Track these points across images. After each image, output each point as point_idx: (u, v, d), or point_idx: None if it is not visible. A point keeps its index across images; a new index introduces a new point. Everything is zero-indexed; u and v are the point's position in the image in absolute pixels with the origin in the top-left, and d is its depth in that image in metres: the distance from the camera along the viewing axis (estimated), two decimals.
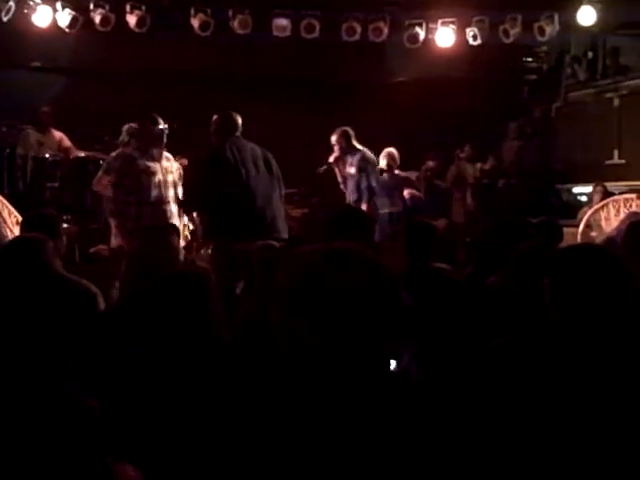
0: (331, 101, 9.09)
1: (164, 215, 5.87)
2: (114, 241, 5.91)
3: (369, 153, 7.30)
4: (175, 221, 5.92)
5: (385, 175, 7.81)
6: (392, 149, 8.00)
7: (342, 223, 3.64)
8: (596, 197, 8.33)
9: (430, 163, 8.84)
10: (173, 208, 6.03)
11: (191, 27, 8.09)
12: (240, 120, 6.01)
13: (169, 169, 6.02)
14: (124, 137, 7.22)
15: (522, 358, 2.20)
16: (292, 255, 1.61)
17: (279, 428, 1.48)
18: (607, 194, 8.25)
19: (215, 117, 6.01)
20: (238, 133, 5.97)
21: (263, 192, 5.90)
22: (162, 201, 5.92)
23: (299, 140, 8.40)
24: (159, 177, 5.91)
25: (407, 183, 8.11)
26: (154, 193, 5.86)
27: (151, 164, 5.87)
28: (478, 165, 9.16)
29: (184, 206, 6.15)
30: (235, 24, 8.11)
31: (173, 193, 6.04)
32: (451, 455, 1.47)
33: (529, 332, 2.32)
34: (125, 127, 7.27)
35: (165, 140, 5.92)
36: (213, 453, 1.67)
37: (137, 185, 5.79)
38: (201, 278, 2.73)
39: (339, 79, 9.73)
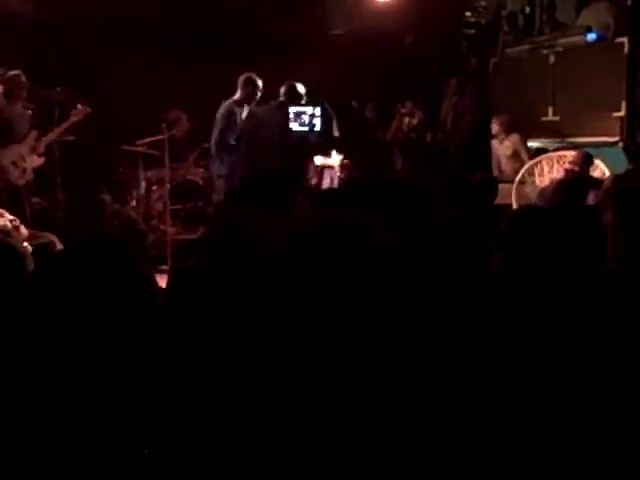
0: (267, 54, 8.90)
1: None
2: None
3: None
4: None
5: None
6: None
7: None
8: (496, 128, 8.60)
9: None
10: None
11: None
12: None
13: None
14: None
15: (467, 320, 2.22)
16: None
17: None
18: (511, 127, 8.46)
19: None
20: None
21: None
22: None
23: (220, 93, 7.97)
24: None
25: None
26: None
27: None
28: (406, 120, 9.17)
29: None
30: None
31: None
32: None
33: (473, 291, 2.35)
34: None
35: None
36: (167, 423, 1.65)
37: None
38: (125, 241, 2.65)
39: (275, 31, 9.50)
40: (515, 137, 8.57)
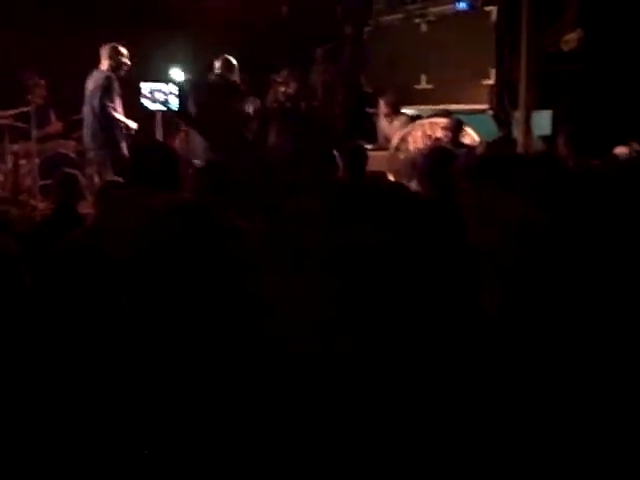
0: (131, 19, 8.60)
1: None
2: None
3: None
4: None
5: None
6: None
7: None
8: (384, 109, 8.65)
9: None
10: None
11: None
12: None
13: None
14: None
15: None
16: None
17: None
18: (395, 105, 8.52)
19: None
20: None
21: None
22: None
23: (81, 64, 7.71)
24: None
25: None
26: None
27: None
28: (282, 89, 9.12)
29: None
30: None
31: None
32: None
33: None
34: None
35: None
36: None
37: None
38: None
39: None
40: (404, 117, 8.67)
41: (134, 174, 3.65)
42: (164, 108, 7.36)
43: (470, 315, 1.89)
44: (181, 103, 7.21)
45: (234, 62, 8.02)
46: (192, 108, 7.31)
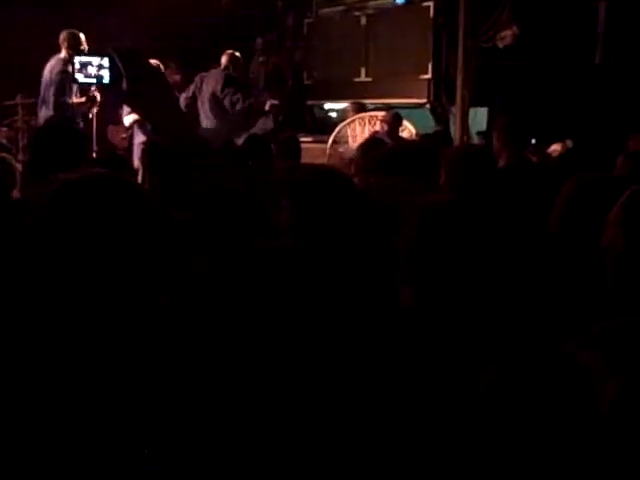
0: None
1: None
2: None
3: None
4: None
5: None
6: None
7: None
8: (350, 114, 8.61)
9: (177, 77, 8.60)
10: None
11: None
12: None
13: None
14: None
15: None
16: None
17: None
18: (361, 110, 8.55)
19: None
20: None
21: None
22: None
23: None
24: None
25: None
26: None
27: None
28: None
29: None
30: None
31: None
32: None
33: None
34: None
35: None
36: None
37: None
38: None
39: None
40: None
41: (36, 156, 3.54)
42: (95, 82, 7.04)
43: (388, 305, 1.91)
44: (113, 76, 6.79)
45: (238, 55, 8.12)
46: (125, 83, 7.04)
